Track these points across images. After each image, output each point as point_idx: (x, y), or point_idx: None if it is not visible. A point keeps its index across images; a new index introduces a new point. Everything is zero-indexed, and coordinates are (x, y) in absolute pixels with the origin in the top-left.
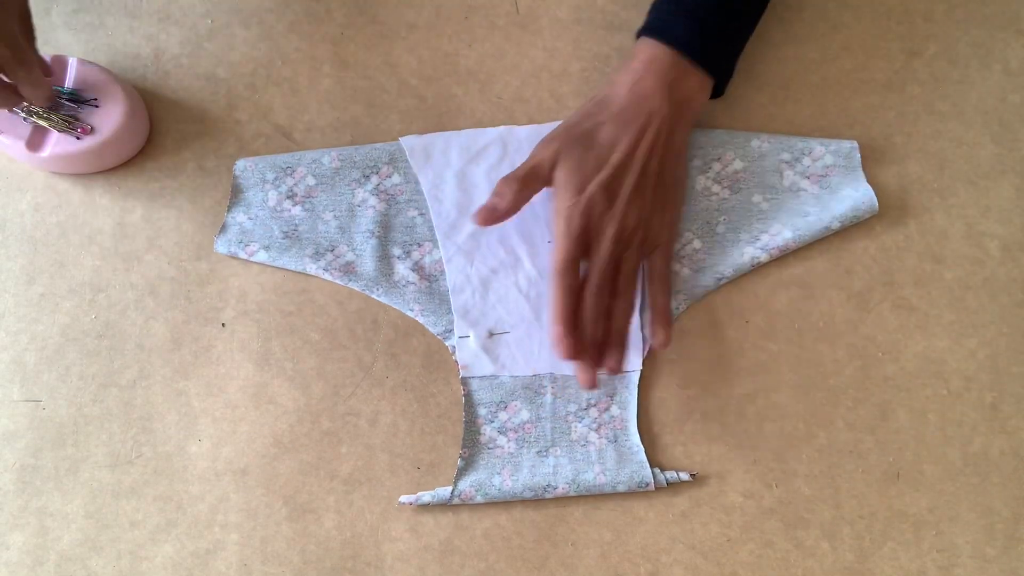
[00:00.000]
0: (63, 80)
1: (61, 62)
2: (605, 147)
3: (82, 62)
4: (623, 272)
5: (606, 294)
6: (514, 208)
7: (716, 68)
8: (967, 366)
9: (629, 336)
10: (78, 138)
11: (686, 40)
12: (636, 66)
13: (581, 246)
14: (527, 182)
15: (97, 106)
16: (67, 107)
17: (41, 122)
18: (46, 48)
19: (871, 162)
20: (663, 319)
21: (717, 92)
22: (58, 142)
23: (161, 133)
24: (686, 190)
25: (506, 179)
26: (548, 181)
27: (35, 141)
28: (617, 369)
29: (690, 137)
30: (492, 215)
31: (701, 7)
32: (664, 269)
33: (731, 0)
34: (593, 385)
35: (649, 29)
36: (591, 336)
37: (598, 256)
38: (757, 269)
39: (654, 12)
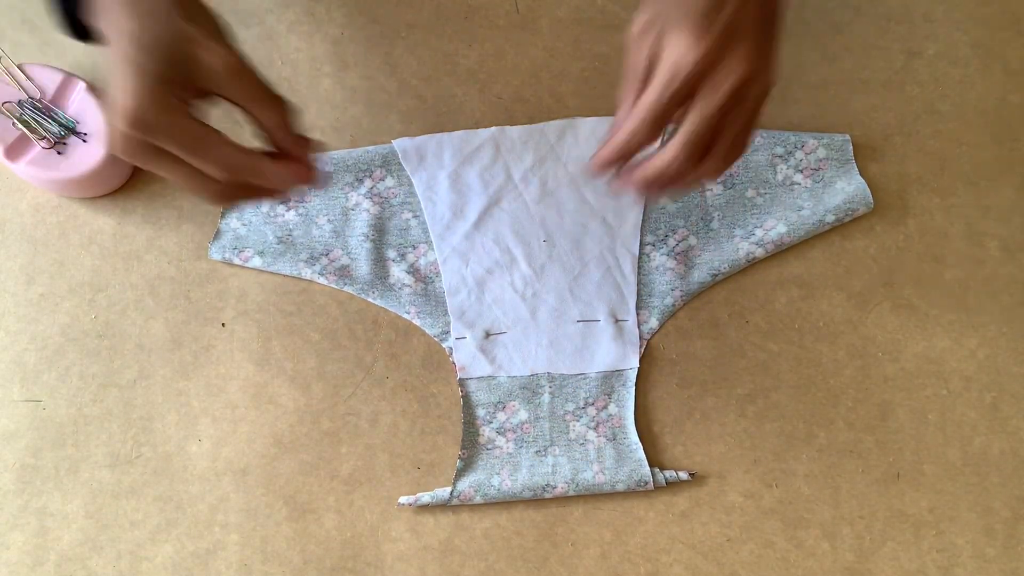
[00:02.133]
0: (66, 102)
1: (71, 83)
2: None
3: (91, 90)
4: (727, 136)
5: (697, 159)
6: (652, 129)
7: None
8: (967, 366)
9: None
10: (59, 153)
11: None
12: None
13: (685, 98)
14: (633, 79)
15: (86, 142)
16: (57, 127)
17: (28, 132)
18: (46, 48)
19: (872, 162)
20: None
21: None
22: (34, 160)
23: None
24: None
25: (623, 103)
26: (656, 54)
27: (15, 150)
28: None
29: None
30: (631, 150)
31: None
32: (752, 133)
33: None
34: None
35: None
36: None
37: (707, 109)
38: (757, 268)
39: None
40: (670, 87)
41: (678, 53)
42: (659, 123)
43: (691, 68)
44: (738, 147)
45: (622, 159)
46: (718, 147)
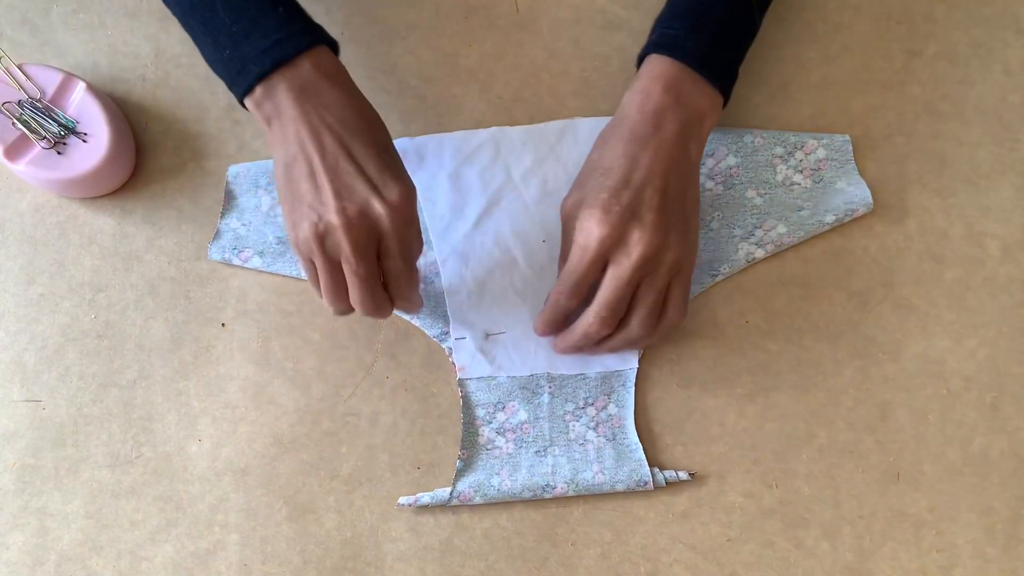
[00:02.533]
0: (66, 102)
1: (71, 83)
2: (623, 169)
3: (91, 90)
4: (642, 304)
5: (611, 324)
6: (572, 296)
7: (723, 82)
8: (967, 366)
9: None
10: (59, 153)
11: (694, 53)
12: (643, 83)
13: (597, 270)
14: (565, 252)
15: (86, 142)
16: (57, 127)
17: (28, 132)
18: (46, 48)
19: (872, 162)
20: (650, 339)
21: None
22: (34, 160)
23: (161, 134)
24: (699, 216)
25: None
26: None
27: (15, 150)
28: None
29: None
30: (560, 315)
31: (707, 23)
32: (682, 299)
33: (735, 15)
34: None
35: (655, 46)
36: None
37: (615, 280)
38: (757, 268)
39: (658, 30)
40: (582, 261)
41: (587, 232)
42: (577, 290)
43: (596, 245)
44: (661, 312)
45: (557, 324)
46: (637, 310)
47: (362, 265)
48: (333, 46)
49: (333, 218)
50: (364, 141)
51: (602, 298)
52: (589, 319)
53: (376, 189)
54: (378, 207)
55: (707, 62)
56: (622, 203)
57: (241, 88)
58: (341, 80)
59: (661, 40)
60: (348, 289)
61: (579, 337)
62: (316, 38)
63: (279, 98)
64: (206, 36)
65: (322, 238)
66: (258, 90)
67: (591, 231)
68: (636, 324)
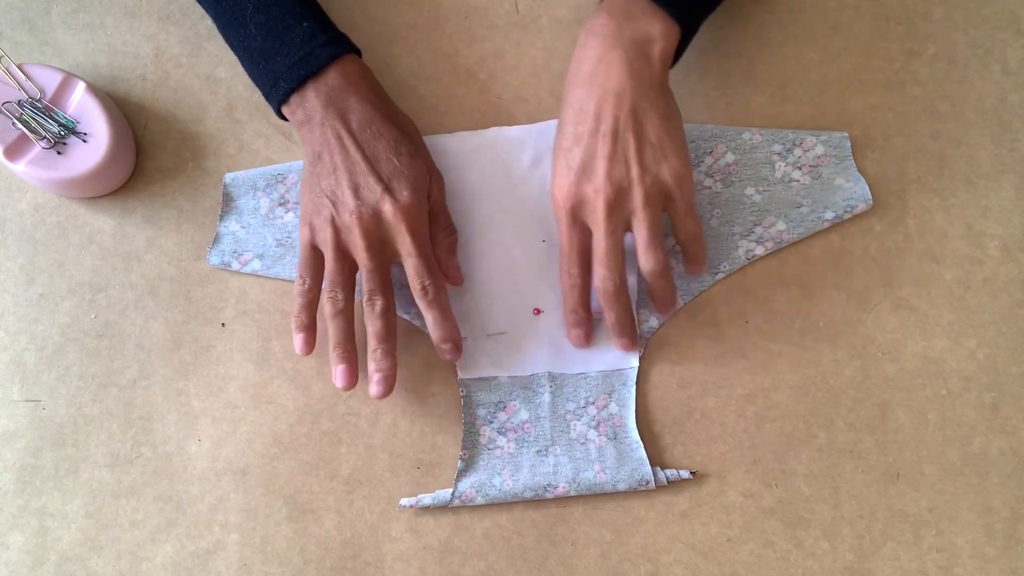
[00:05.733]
0: (66, 102)
1: (71, 83)
2: (570, 123)
3: (91, 90)
4: (639, 242)
5: (615, 277)
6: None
7: (677, 8)
8: (967, 366)
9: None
10: (59, 153)
11: None
12: (589, 18)
13: (577, 235)
14: (572, 254)
15: (86, 142)
16: (57, 127)
17: (28, 132)
18: (46, 48)
19: (871, 162)
20: (699, 255)
21: (679, 50)
22: (34, 160)
23: (161, 133)
24: (683, 129)
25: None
26: (587, 238)
27: (15, 150)
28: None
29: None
30: (578, 297)
31: None
32: (690, 210)
33: None
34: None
35: None
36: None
37: (596, 236)
38: (757, 269)
39: None
40: (559, 230)
41: (555, 203)
42: (567, 261)
43: (563, 214)
44: (679, 232)
45: (581, 306)
46: (638, 248)
47: (373, 260)
48: (357, 53)
49: (347, 218)
50: (380, 145)
51: (597, 254)
52: (596, 282)
53: (389, 189)
54: (388, 207)
55: None
56: (572, 164)
57: (275, 100)
58: (365, 85)
59: None
60: (351, 283)
61: (604, 301)
62: (339, 50)
63: (309, 105)
64: (242, 51)
65: (338, 231)
66: (292, 100)
67: (556, 200)
68: (642, 259)
